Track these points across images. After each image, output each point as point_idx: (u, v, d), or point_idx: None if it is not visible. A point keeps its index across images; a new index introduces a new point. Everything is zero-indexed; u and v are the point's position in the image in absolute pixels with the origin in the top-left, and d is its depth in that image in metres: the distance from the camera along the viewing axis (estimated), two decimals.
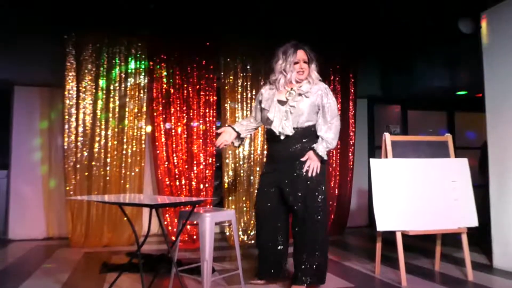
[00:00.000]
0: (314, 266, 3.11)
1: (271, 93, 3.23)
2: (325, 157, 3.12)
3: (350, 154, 5.96)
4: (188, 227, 5.09)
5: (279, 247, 3.31)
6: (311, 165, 3.10)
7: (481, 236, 4.32)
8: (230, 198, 5.35)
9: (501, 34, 4.07)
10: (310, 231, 3.10)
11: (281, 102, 3.16)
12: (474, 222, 3.66)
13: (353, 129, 5.99)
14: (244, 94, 5.39)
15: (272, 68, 3.25)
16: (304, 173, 3.11)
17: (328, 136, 3.13)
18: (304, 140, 3.14)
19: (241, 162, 5.31)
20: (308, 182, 3.11)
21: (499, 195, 4.04)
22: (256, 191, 3.59)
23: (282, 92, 3.19)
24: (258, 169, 5.28)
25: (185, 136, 5.28)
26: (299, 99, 3.13)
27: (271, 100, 3.19)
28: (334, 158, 5.86)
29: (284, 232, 3.33)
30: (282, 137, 3.12)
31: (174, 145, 5.23)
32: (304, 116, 3.12)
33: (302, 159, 3.12)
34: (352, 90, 5.95)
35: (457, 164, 3.81)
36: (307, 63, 3.19)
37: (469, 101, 6.48)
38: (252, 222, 5.22)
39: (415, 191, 3.63)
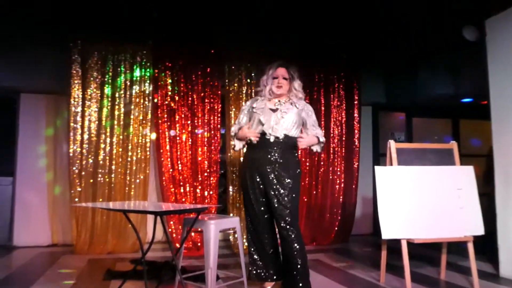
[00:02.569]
0: (298, 273, 3.16)
1: (263, 103, 3.43)
2: (322, 140, 3.40)
3: (355, 162, 5.95)
4: (193, 234, 5.09)
5: (269, 251, 3.42)
6: (305, 139, 3.25)
7: (487, 245, 4.29)
8: (234, 205, 5.34)
9: (505, 41, 4.07)
10: (286, 238, 3.19)
11: (272, 110, 3.35)
12: (480, 230, 3.64)
13: (358, 137, 5.98)
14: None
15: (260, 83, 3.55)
16: (284, 177, 3.23)
17: (321, 136, 3.41)
18: (285, 147, 3.27)
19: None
20: (286, 188, 3.21)
21: (505, 203, 4.02)
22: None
23: (271, 102, 3.40)
24: None
25: (189, 143, 5.29)
26: (290, 107, 3.34)
27: (264, 108, 3.38)
28: (338, 165, 5.85)
29: (271, 237, 3.43)
30: (271, 139, 3.25)
31: (178, 152, 5.24)
32: (292, 123, 3.30)
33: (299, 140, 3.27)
34: (356, 98, 5.96)
35: (462, 171, 3.79)
36: (286, 80, 3.39)
37: (475, 108, 6.45)
38: None
39: (420, 199, 3.61)
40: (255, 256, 3.43)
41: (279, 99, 3.39)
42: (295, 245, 3.14)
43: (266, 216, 3.36)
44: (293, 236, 3.15)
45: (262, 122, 3.30)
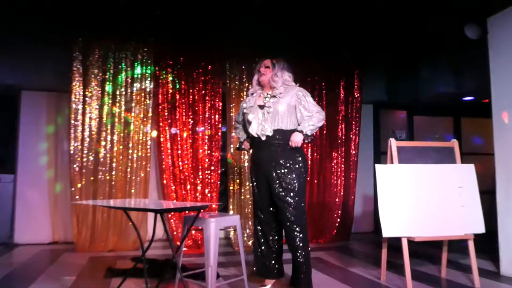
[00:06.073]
0: (299, 270, 3.20)
1: (253, 100, 3.46)
2: (308, 132, 3.24)
3: (355, 160, 5.94)
4: (193, 232, 5.09)
5: (274, 248, 3.45)
6: (293, 141, 3.22)
7: (488, 243, 4.29)
8: (235, 203, 5.34)
9: (507, 39, 4.06)
10: (290, 235, 3.21)
11: (261, 107, 3.37)
12: (481, 228, 3.63)
13: (358, 134, 5.98)
14: None
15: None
16: (287, 174, 3.22)
17: (310, 121, 3.27)
18: (284, 142, 3.26)
19: (246, 168, 5.31)
20: (289, 186, 3.20)
21: (506, 201, 4.01)
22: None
23: (261, 98, 3.43)
24: None
25: (190, 141, 5.29)
26: (275, 100, 3.32)
27: (253, 106, 3.41)
28: (338, 163, 5.84)
29: (277, 234, 3.46)
30: (263, 138, 3.28)
31: (179, 150, 5.24)
32: (281, 116, 3.28)
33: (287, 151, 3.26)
34: (357, 96, 5.95)
35: (463, 170, 3.79)
36: (269, 68, 3.42)
37: (476, 106, 6.45)
38: None
39: (421, 197, 3.61)
40: (260, 253, 3.45)
41: (267, 92, 3.40)
42: (298, 243, 3.16)
43: (272, 214, 3.38)
44: (297, 234, 3.17)
45: (250, 121, 3.34)
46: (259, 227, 3.45)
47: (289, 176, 3.21)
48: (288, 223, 3.19)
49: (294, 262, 3.23)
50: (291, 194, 3.19)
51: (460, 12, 4.38)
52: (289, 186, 3.20)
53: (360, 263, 4.54)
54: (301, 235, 3.17)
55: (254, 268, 3.49)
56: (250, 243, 5.21)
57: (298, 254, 3.16)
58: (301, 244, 3.17)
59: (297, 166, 3.25)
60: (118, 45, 5.17)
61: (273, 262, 3.43)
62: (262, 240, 3.43)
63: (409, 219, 3.52)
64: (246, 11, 4.49)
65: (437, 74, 5.96)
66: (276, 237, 3.44)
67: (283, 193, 3.20)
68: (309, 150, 5.65)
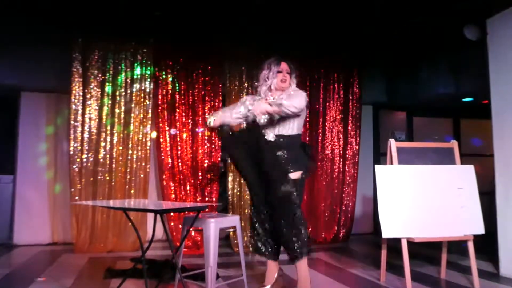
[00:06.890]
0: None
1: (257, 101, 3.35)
2: (273, 107, 3.08)
3: (355, 160, 5.94)
4: (193, 232, 5.08)
5: (270, 229, 3.32)
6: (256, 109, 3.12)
7: (487, 244, 4.29)
8: (235, 204, 5.34)
9: (506, 41, 4.06)
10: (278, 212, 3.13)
11: None
12: (480, 229, 3.63)
13: (358, 135, 5.98)
14: None
15: (257, 78, 3.44)
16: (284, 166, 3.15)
17: (286, 102, 3.09)
18: (286, 149, 3.20)
19: None
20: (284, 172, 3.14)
21: (506, 202, 4.01)
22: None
23: (265, 101, 3.30)
24: None
25: (190, 141, 5.29)
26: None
27: None
28: (338, 164, 5.85)
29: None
30: (269, 138, 3.23)
31: (179, 152, 5.24)
32: (282, 120, 3.20)
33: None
34: (357, 96, 5.96)
35: (463, 171, 3.79)
36: (289, 74, 3.37)
37: (475, 108, 6.45)
38: None
39: (420, 198, 3.61)
40: (256, 231, 3.33)
41: (273, 96, 3.32)
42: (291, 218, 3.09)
43: (265, 191, 3.25)
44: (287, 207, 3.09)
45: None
46: (254, 208, 3.34)
47: (286, 166, 3.15)
48: (276, 200, 3.10)
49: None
50: (284, 175, 3.12)
51: (460, 13, 4.39)
52: (284, 172, 3.13)
53: (359, 264, 4.54)
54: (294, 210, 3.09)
55: (253, 242, 3.38)
56: (249, 244, 5.20)
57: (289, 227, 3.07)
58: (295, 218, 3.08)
59: (297, 167, 3.20)
60: (118, 45, 5.17)
61: (269, 243, 3.31)
62: (258, 221, 3.31)
63: (408, 220, 3.52)
64: (246, 11, 4.49)
65: (436, 75, 5.97)
66: (269, 216, 3.30)
67: (275, 173, 3.12)
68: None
